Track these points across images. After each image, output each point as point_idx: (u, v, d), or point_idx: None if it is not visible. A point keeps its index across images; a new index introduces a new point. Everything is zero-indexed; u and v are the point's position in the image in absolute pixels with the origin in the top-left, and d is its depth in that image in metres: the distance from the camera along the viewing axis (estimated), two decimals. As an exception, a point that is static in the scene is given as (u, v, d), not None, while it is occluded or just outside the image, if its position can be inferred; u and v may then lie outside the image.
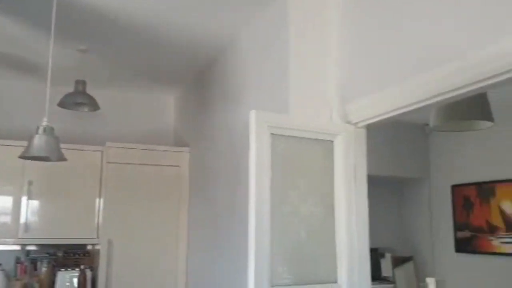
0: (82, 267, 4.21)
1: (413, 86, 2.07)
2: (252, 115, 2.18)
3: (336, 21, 2.67)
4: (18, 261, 4.23)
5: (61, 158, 2.61)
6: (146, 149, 4.40)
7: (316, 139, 2.47)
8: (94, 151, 4.33)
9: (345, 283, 2.51)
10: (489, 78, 1.65)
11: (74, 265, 4.30)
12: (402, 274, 5.27)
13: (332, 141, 2.49)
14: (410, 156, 5.36)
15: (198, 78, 4.34)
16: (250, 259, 2.16)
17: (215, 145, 3.75)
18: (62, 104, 3.69)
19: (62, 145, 2.66)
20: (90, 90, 3.81)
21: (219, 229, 3.57)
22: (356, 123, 2.51)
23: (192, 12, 3.09)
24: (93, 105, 3.76)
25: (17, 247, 4.26)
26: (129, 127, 4.86)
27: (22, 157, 2.55)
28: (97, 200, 4.26)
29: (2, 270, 4.07)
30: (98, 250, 4.16)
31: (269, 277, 2.23)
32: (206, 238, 3.87)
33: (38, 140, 2.50)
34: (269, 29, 2.96)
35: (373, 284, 2.68)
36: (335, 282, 2.51)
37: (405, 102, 2.16)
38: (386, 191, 5.53)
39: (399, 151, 5.25)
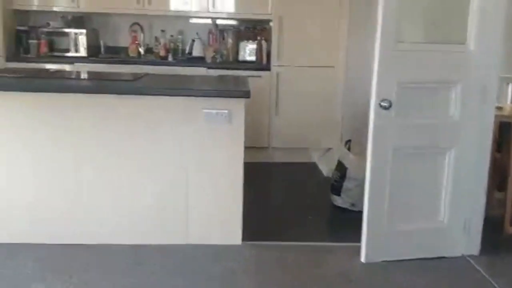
0: (259, 38, 5.02)
1: None
2: None
3: None
4: (210, 32, 5.21)
5: None
6: None
7: None
8: None
9: (474, 45, 2.78)
10: None
11: (253, 37, 5.12)
12: None
13: None
14: None
15: None
16: (379, 16, 2.58)
17: None
18: None
19: None
20: None
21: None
22: None
23: None
24: None
25: (209, 21, 5.18)
26: None
27: None
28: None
29: (199, 38, 5.12)
30: (271, 26, 4.87)
31: (395, 34, 2.63)
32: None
33: None
34: None
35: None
36: (463, 43, 2.80)
37: None
38: None
39: None
